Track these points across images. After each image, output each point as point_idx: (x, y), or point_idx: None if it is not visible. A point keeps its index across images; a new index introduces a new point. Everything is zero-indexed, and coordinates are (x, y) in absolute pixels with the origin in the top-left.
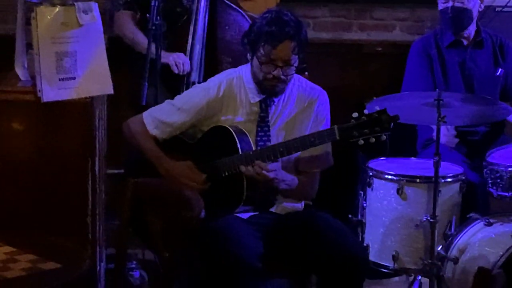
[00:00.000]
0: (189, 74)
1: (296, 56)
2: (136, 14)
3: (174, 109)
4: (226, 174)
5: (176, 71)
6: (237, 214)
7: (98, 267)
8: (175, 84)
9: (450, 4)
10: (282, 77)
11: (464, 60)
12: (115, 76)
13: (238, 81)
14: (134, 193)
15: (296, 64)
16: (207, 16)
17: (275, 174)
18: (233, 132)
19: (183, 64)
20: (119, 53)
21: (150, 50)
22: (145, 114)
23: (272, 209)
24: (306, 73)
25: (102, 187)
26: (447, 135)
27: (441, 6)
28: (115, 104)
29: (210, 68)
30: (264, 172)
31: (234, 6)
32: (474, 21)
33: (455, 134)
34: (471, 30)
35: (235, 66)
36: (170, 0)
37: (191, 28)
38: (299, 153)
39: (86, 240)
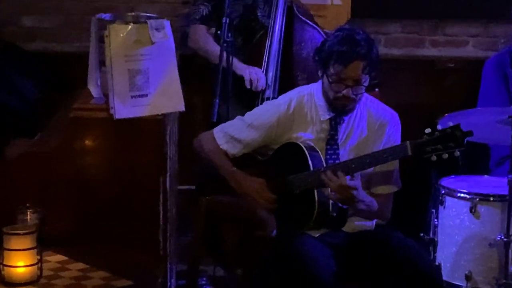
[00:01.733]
0: (263, 90)
1: (367, 76)
2: (210, 29)
3: (245, 125)
4: (298, 191)
5: (249, 87)
6: (308, 232)
7: (169, 284)
8: (249, 99)
9: None
10: (352, 96)
11: None
12: (188, 92)
13: (308, 98)
14: (207, 211)
15: (366, 84)
16: (283, 32)
17: (356, 193)
18: (304, 149)
19: (257, 80)
20: (192, 69)
21: (221, 67)
22: (216, 129)
23: (343, 228)
24: (377, 89)
25: (173, 203)
26: None
27: None
28: (188, 120)
29: (285, 85)
30: (344, 183)
31: (311, 23)
32: None
33: None
34: None
35: (310, 83)
36: (246, 15)
37: (267, 44)
38: (370, 171)
39: (158, 256)
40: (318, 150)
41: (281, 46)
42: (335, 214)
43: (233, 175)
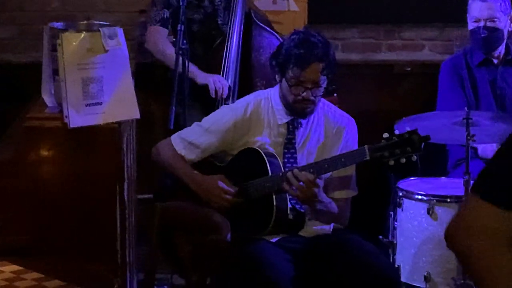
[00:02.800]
0: (225, 97)
1: (325, 77)
2: (169, 33)
3: (202, 130)
4: (256, 196)
5: (214, 96)
6: (266, 237)
7: None
8: (211, 107)
9: (481, 24)
10: (311, 98)
11: (495, 79)
12: (146, 100)
13: (266, 102)
14: (162, 218)
15: (324, 85)
16: (241, 39)
17: (318, 191)
18: (263, 154)
19: (222, 88)
20: (150, 77)
21: (176, 73)
22: (173, 136)
23: (300, 232)
24: (335, 94)
25: (131, 212)
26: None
27: (471, 26)
28: (146, 128)
29: (244, 91)
30: (309, 181)
31: (269, 29)
32: (505, 40)
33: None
34: (501, 49)
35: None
36: (207, 22)
37: (226, 50)
38: (327, 175)
39: (116, 266)
40: (277, 156)
41: (239, 52)
42: (292, 218)
43: (192, 177)
